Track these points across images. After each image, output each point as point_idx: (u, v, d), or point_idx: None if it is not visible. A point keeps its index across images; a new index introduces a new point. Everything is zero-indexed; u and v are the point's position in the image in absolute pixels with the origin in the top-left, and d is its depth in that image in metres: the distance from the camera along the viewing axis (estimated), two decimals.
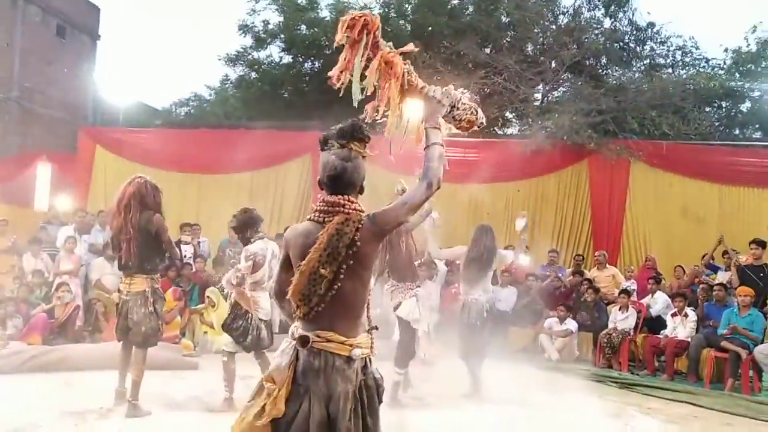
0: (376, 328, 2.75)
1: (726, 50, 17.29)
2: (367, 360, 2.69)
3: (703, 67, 16.79)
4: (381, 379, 2.75)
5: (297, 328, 2.67)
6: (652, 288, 10.09)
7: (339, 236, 2.60)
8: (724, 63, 17.22)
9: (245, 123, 16.07)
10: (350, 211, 2.69)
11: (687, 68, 16.76)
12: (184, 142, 13.64)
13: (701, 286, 9.69)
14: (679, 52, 16.79)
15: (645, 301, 10.03)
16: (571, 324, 9.81)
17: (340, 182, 2.75)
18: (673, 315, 9.22)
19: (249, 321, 5.93)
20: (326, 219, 2.68)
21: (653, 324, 9.75)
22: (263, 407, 2.57)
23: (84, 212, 11.42)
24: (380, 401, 2.72)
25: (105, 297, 9.65)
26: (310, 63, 18.29)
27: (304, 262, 2.61)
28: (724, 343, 8.24)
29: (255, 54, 18.59)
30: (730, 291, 9.23)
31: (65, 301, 9.01)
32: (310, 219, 2.76)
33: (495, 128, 16.67)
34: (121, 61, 47.16)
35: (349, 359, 2.60)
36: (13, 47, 16.10)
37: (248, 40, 18.25)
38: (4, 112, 15.83)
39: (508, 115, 16.62)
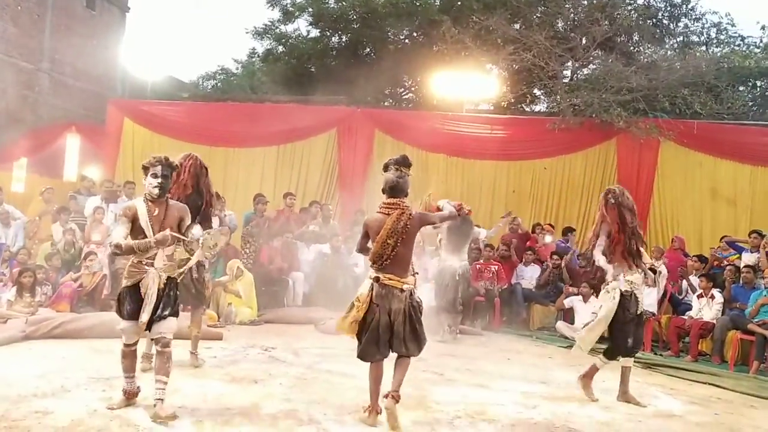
0: (417, 273, 4.98)
1: (763, 28, 16.92)
2: (412, 290, 4.78)
3: (739, 45, 16.48)
4: (421, 301, 4.89)
5: (372, 272, 4.75)
6: (696, 267, 9.90)
7: (398, 222, 4.68)
8: (761, 41, 16.84)
9: (272, 97, 16.08)
10: (404, 208, 4.73)
11: (722, 46, 16.44)
12: (210, 115, 13.69)
13: (728, 267, 9.54)
14: (714, 30, 16.48)
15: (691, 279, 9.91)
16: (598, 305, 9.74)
17: (397, 190, 4.79)
18: (699, 296, 9.12)
19: None
20: (389, 212, 4.72)
21: (678, 305, 9.66)
22: (353, 315, 4.69)
23: (111, 182, 11.55)
24: (421, 314, 4.82)
25: None
26: (337, 37, 18.18)
27: (379, 236, 4.68)
28: (750, 326, 8.15)
29: (282, 27, 18.53)
30: (758, 273, 9.09)
31: (93, 270, 9.17)
32: (379, 212, 4.79)
33: (522, 105, 16.51)
34: (149, 33, 47.30)
35: (402, 290, 4.71)
36: (43, 18, 16.22)
37: (276, 14, 18.20)
38: (35, 83, 16.00)
39: (537, 91, 16.41)
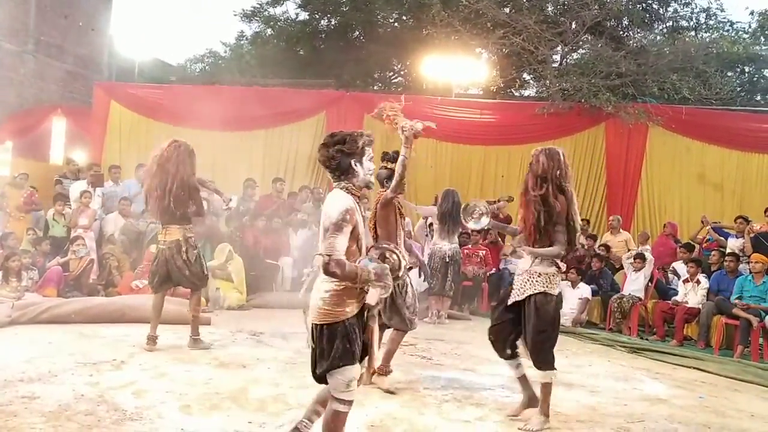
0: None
1: (752, 13, 17.00)
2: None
3: (727, 30, 16.52)
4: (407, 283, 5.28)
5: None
6: (683, 257, 9.89)
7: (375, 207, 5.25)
8: (749, 26, 16.95)
9: (260, 80, 15.99)
10: (378, 195, 5.23)
11: (710, 31, 16.45)
12: (198, 98, 13.53)
13: (713, 252, 9.59)
14: (704, 15, 16.50)
15: (675, 265, 9.96)
16: (585, 290, 9.80)
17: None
18: (685, 281, 9.19)
19: None
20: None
21: (665, 290, 9.73)
22: None
23: (98, 166, 11.46)
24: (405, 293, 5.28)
25: (118, 251, 9.75)
26: (326, 20, 18.09)
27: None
28: (735, 311, 8.22)
29: (271, 10, 18.40)
30: (742, 258, 9.16)
31: (80, 254, 9.11)
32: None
33: (512, 89, 16.49)
34: (136, 15, 46.77)
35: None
36: (28, 0, 16.01)
37: None
38: (20, 65, 15.81)
39: (526, 76, 16.41)
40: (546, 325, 4.52)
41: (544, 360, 4.54)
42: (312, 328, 3.29)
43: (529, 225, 4.59)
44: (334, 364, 3.22)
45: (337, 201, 3.25)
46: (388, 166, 5.28)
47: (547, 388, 4.56)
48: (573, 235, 4.66)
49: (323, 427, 3.36)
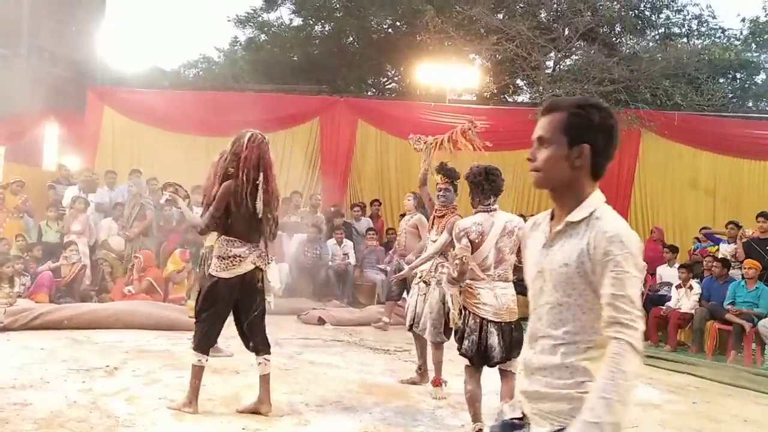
0: None
1: (743, 20, 17.07)
2: None
3: (719, 37, 16.58)
4: None
5: None
6: (668, 257, 10.04)
7: None
8: (741, 33, 17.02)
9: (254, 86, 15.98)
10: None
11: (702, 38, 16.54)
12: (192, 104, 13.54)
13: (706, 257, 9.64)
14: (695, 22, 16.59)
15: (660, 270, 10.01)
16: None
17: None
18: (678, 287, 9.22)
19: None
20: None
21: (657, 296, 9.76)
22: None
23: (90, 172, 11.42)
24: None
25: (111, 257, 9.71)
26: (320, 26, 18.11)
27: None
28: (728, 316, 8.25)
29: (265, 16, 18.43)
30: (734, 265, 9.20)
31: (72, 260, 9.07)
32: None
33: (505, 95, 16.54)
34: (130, 21, 46.67)
35: None
36: (21, 4, 15.95)
37: (258, 2, 18.10)
38: (12, 69, 15.74)
39: (519, 82, 16.47)
40: (205, 305, 4.73)
41: (198, 341, 4.72)
42: (505, 324, 4.60)
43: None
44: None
45: None
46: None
47: (193, 369, 4.65)
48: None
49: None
